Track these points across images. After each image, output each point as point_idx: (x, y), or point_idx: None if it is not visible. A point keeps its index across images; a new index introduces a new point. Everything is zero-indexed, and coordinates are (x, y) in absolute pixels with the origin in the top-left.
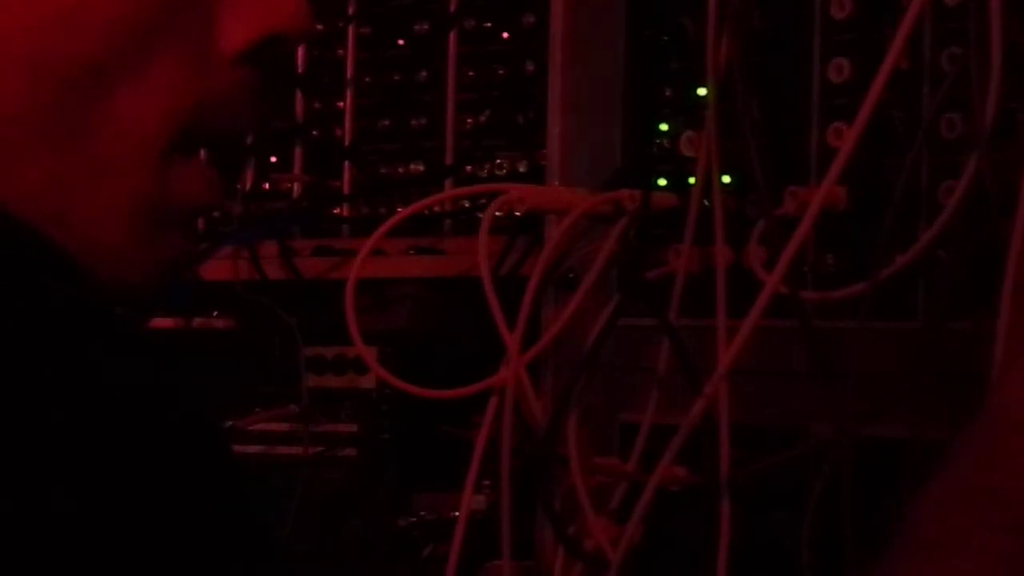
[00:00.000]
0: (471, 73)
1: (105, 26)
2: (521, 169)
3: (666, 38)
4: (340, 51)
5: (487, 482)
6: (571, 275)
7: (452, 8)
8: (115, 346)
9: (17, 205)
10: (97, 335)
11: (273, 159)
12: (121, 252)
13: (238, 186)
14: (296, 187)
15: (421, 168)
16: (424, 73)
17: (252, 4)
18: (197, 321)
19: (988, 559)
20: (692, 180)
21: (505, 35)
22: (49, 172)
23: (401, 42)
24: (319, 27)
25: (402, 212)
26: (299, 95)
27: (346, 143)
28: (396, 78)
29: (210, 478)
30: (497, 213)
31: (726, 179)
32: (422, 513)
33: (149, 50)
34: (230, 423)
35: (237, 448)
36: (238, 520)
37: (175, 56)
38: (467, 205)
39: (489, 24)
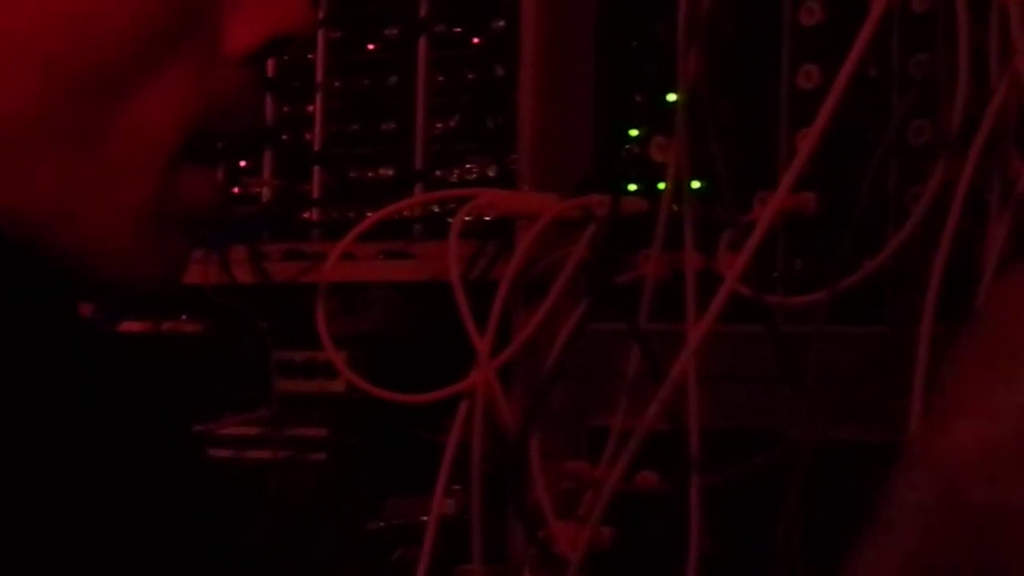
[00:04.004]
0: (441, 78)
1: (120, 30)
2: (491, 174)
3: (636, 44)
4: (310, 55)
5: (458, 486)
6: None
7: (422, 13)
8: (83, 350)
9: (27, 206)
10: (65, 339)
11: (243, 163)
12: (128, 254)
13: None
14: (266, 191)
15: (391, 172)
16: (394, 77)
17: (258, 5)
18: (167, 325)
19: None
20: (662, 185)
21: (476, 40)
22: (60, 174)
23: (371, 46)
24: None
25: (372, 216)
26: (269, 99)
27: (316, 147)
28: (366, 82)
29: (183, 484)
30: (467, 218)
31: (696, 185)
32: (393, 517)
33: (161, 54)
34: (200, 427)
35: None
36: (211, 528)
37: (186, 59)
38: (437, 210)
39: (459, 29)
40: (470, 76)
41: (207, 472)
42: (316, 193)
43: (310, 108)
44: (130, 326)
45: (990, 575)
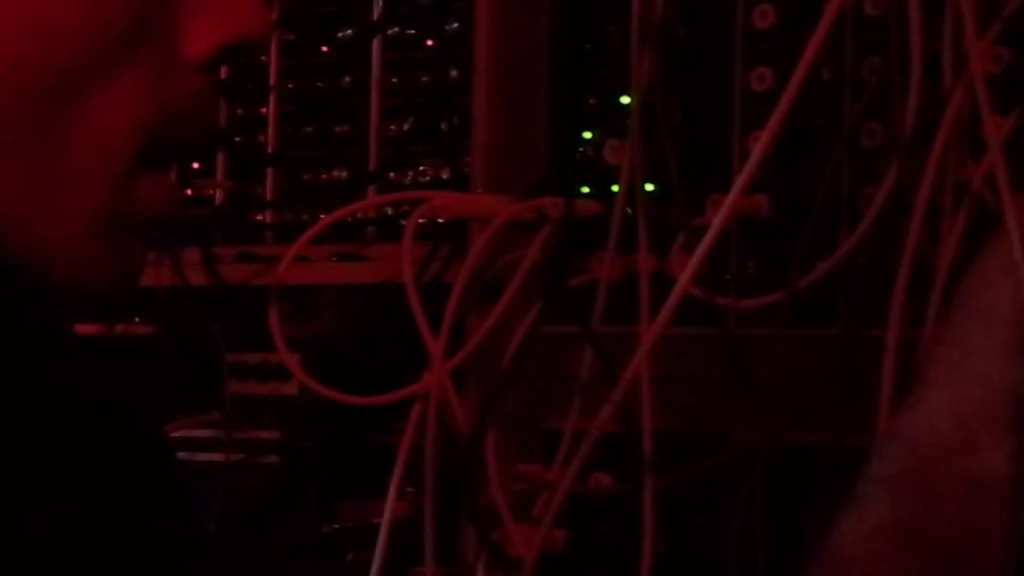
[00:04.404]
0: (395, 80)
1: (76, 36)
2: (445, 176)
3: (590, 47)
4: (264, 58)
5: (411, 489)
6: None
7: (376, 15)
8: (47, 350)
9: None
10: (24, 342)
11: (196, 165)
12: (83, 260)
13: None
14: (219, 193)
15: (345, 175)
16: (348, 79)
17: (214, 11)
18: (119, 327)
19: None
20: (615, 188)
21: (429, 42)
22: (15, 180)
23: (325, 48)
24: None
25: (325, 219)
26: (223, 101)
27: (269, 149)
28: (320, 84)
29: (150, 482)
30: (421, 220)
31: (649, 187)
32: (346, 520)
33: (118, 60)
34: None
35: None
36: (176, 527)
37: (141, 66)
38: (391, 212)
39: (413, 31)
40: (424, 78)
41: (174, 469)
42: (269, 195)
43: (263, 110)
44: (83, 328)
45: (965, 543)
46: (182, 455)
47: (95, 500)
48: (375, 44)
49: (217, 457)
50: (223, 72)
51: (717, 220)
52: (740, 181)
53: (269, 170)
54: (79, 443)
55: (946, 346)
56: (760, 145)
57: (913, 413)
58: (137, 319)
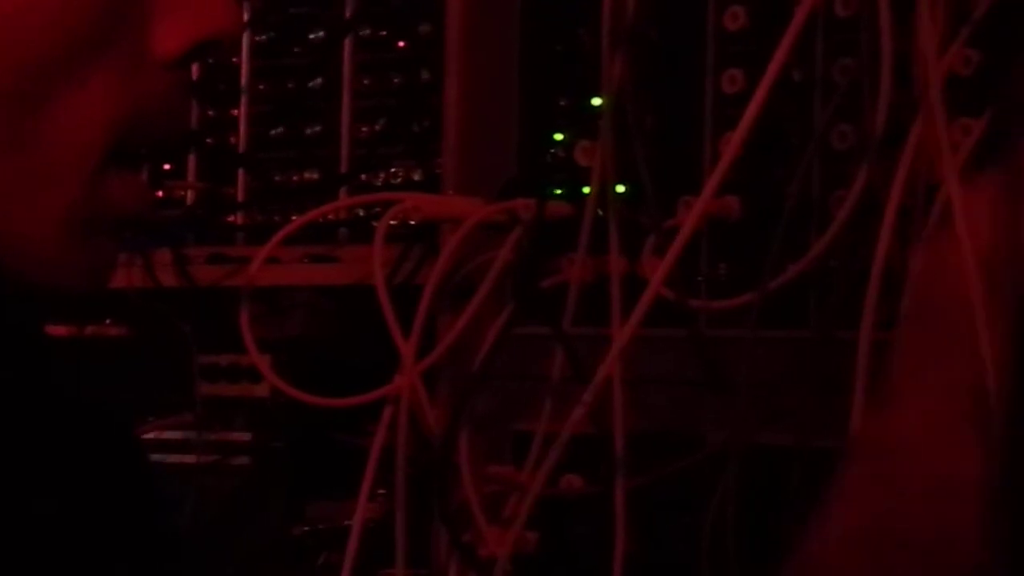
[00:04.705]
0: (366, 81)
1: (47, 34)
2: (416, 178)
3: (561, 48)
4: (235, 59)
5: (382, 491)
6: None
7: (348, 16)
8: (25, 350)
9: None
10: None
11: (167, 166)
12: (55, 259)
13: None
14: (190, 194)
15: (316, 176)
16: (319, 81)
17: (185, 8)
18: (90, 329)
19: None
20: (587, 190)
21: (401, 43)
22: None
23: (296, 50)
24: None
25: (297, 220)
26: (194, 103)
27: (241, 151)
28: (291, 86)
29: (128, 481)
30: (392, 222)
31: (620, 189)
32: (317, 521)
33: (86, 59)
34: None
35: None
36: (155, 527)
37: (112, 64)
38: (362, 214)
39: (385, 32)
40: (395, 80)
41: (150, 469)
42: (241, 197)
43: (235, 112)
44: (55, 330)
45: (940, 544)
46: (153, 457)
47: (76, 499)
48: (347, 45)
49: (188, 459)
50: (194, 72)
51: (688, 221)
52: (711, 182)
53: (240, 171)
54: (61, 442)
55: (910, 347)
56: (731, 146)
57: (880, 420)
58: (108, 320)
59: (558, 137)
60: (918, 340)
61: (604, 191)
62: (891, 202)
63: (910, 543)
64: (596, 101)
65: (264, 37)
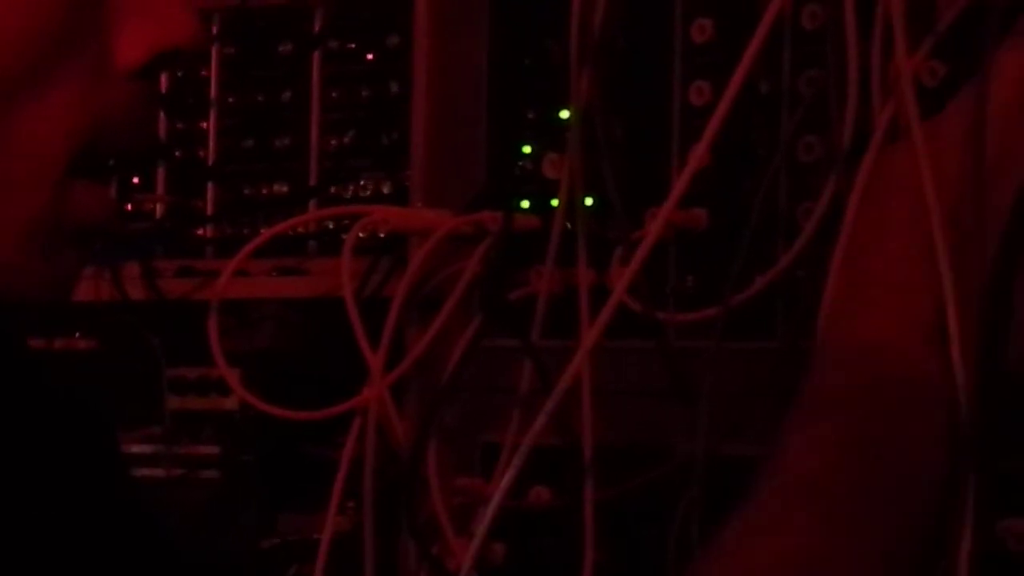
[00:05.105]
0: (335, 94)
1: (8, 46)
2: (385, 190)
3: (529, 61)
4: (204, 71)
5: (351, 503)
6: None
7: (316, 29)
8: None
9: None
10: None
11: (136, 179)
12: (18, 268)
13: None
14: (159, 207)
15: (285, 189)
16: (288, 94)
17: (147, 18)
18: (59, 342)
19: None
20: (555, 202)
21: (369, 56)
22: None
23: (265, 63)
24: None
25: (266, 233)
26: (163, 115)
27: (209, 163)
28: (260, 98)
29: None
30: (361, 234)
31: (588, 201)
32: (287, 534)
33: (50, 69)
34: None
35: None
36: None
37: (73, 75)
38: (331, 226)
39: (353, 45)
40: (364, 92)
41: (128, 479)
42: (210, 209)
43: (204, 124)
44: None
45: (910, 444)
46: None
47: (63, 507)
48: (315, 58)
49: (157, 472)
50: (163, 85)
51: (653, 230)
52: (675, 191)
53: (209, 184)
54: (51, 445)
55: (867, 256)
56: (696, 156)
57: (847, 326)
58: (77, 334)
59: (526, 149)
60: (875, 251)
61: (572, 203)
62: (850, 213)
63: (888, 451)
64: (564, 114)
65: (233, 50)
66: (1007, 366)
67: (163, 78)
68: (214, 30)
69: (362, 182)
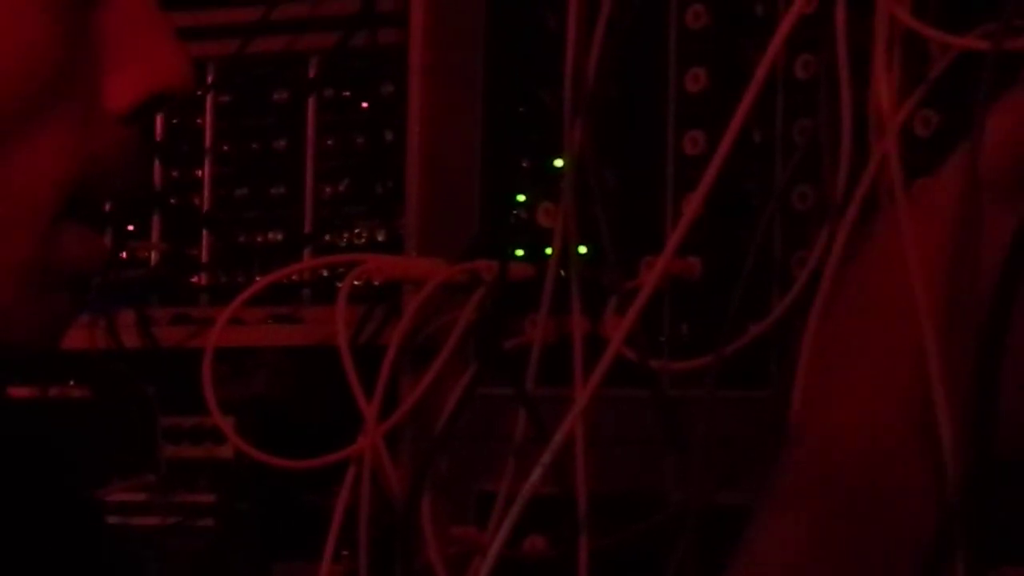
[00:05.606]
0: (330, 142)
1: None
2: (380, 238)
3: (523, 110)
4: (199, 119)
5: (346, 552)
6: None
7: (311, 76)
8: None
9: None
10: None
11: (130, 227)
12: (7, 313)
13: None
14: (154, 255)
15: (280, 237)
16: (283, 142)
17: (138, 62)
18: (53, 390)
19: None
20: (549, 251)
21: (364, 104)
22: None
23: (260, 110)
24: None
25: (260, 281)
26: (157, 163)
27: (204, 211)
28: (255, 146)
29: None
30: (355, 282)
31: (583, 250)
32: None
33: (40, 113)
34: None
35: None
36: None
37: (63, 119)
38: (326, 274)
39: (348, 93)
40: (359, 140)
41: (106, 536)
42: (204, 257)
43: (198, 172)
44: (17, 391)
45: (872, 555)
46: (116, 519)
47: (30, 559)
48: (310, 106)
49: (152, 521)
50: (158, 132)
51: (649, 281)
52: (671, 241)
53: (204, 232)
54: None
55: (841, 345)
56: (691, 206)
57: (821, 422)
58: (71, 382)
59: (520, 198)
60: (856, 332)
61: (566, 252)
62: (833, 261)
63: (853, 552)
64: (558, 162)
65: (228, 98)
66: (995, 451)
67: (158, 126)
68: (209, 79)
69: (357, 230)
